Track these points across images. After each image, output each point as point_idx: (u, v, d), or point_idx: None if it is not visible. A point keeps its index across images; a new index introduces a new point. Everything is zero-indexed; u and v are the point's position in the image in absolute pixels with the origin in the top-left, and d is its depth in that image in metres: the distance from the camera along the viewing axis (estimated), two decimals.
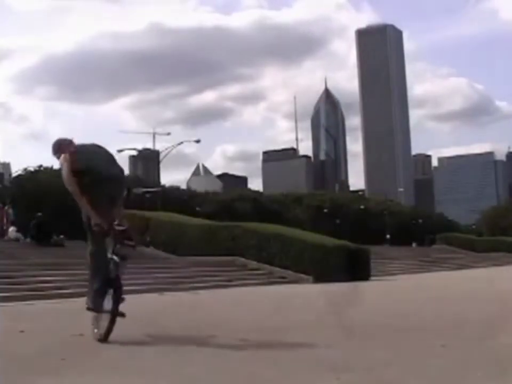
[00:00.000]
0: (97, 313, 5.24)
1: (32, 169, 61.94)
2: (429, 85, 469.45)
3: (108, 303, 5.14)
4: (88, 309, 5.37)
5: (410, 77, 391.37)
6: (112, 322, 5.03)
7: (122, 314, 5.10)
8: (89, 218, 5.31)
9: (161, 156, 48.91)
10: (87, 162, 5.32)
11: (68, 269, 15.11)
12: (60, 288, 12.70)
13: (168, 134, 56.87)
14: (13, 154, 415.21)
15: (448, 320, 6.66)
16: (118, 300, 5.09)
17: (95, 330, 5.24)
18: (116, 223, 5.25)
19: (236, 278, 17.72)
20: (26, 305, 9.99)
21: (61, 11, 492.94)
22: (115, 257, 5.19)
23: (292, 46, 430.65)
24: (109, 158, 5.56)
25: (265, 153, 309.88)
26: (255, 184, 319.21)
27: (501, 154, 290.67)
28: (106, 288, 5.19)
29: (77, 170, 5.25)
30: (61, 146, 5.52)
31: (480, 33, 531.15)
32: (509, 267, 30.65)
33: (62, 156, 5.40)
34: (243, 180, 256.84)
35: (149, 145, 55.93)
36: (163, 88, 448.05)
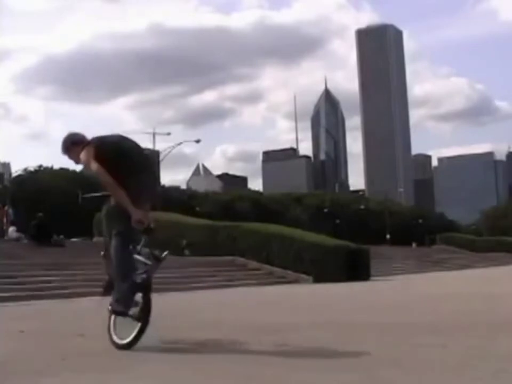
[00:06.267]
0: (120, 317, 4.71)
1: (32, 169, 62.12)
2: (429, 85, 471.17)
3: (132, 309, 4.64)
4: (114, 311, 4.71)
5: (410, 77, 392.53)
6: (142, 331, 4.56)
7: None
8: (119, 212, 4.67)
9: (161, 156, 48.94)
10: (119, 151, 4.78)
11: (68, 269, 15.13)
12: (60, 288, 12.71)
13: (168, 134, 56.67)
14: (13, 154, 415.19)
15: (448, 320, 6.66)
16: (149, 305, 4.60)
17: (114, 337, 4.74)
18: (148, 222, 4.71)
19: (236, 278, 17.73)
20: (26, 305, 10.00)
21: (61, 11, 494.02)
22: (141, 258, 4.71)
23: (292, 46, 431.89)
24: (139, 148, 4.99)
25: (265, 153, 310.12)
26: (255, 184, 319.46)
27: (501, 154, 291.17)
28: (135, 292, 4.65)
29: (107, 161, 4.67)
30: (74, 142, 4.94)
31: (480, 33, 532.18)
32: (510, 267, 30.62)
33: (85, 150, 4.78)
34: (243, 180, 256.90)
35: (149, 145, 55.88)
36: (163, 88, 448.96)
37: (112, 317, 4.79)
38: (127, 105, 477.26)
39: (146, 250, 4.75)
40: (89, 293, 11.68)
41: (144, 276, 4.62)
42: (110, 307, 4.75)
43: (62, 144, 4.98)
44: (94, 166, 4.66)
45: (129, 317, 4.62)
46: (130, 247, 4.76)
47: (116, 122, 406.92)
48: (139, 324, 4.57)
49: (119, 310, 4.67)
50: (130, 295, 4.62)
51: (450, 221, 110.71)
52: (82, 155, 4.80)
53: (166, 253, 4.75)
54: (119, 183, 4.65)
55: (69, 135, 5.03)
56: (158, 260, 4.70)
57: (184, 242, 21.90)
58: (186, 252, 21.61)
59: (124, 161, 4.76)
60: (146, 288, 4.62)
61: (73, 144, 4.94)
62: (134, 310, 4.62)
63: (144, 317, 4.57)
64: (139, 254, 4.75)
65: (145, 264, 4.67)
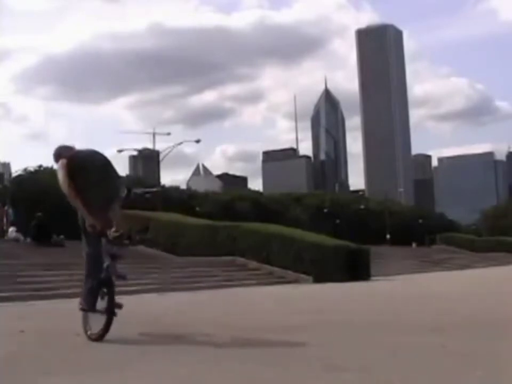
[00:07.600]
0: (90, 313, 5.28)
1: (32, 169, 61.96)
2: (429, 85, 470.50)
3: (100, 304, 5.21)
4: (82, 309, 5.40)
5: (410, 77, 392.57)
6: (109, 322, 5.06)
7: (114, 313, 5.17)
8: (84, 220, 5.41)
9: (161, 156, 48.95)
10: (83, 165, 5.45)
11: (68, 269, 15.09)
12: (60, 288, 12.70)
13: (168, 134, 56.70)
14: (13, 154, 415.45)
15: (448, 320, 6.66)
16: (112, 299, 5.12)
17: (88, 332, 5.28)
18: (113, 229, 5.27)
19: (236, 278, 17.72)
20: (26, 305, 10.00)
21: (61, 11, 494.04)
22: (106, 258, 5.26)
23: (292, 46, 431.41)
24: (104, 161, 5.64)
25: (265, 153, 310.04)
26: (255, 184, 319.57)
27: (501, 154, 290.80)
28: (98, 288, 5.24)
29: (73, 173, 5.36)
30: (61, 155, 5.61)
31: (480, 33, 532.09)
32: (510, 267, 30.62)
33: (60, 161, 5.50)
34: (243, 180, 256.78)
35: (149, 145, 56.00)
36: (163, 88, 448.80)
37: (84, 313, 5.38)
38: (127, 105, 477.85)
39: (108, 249, 5.30)
40: None
41: (105, 273, 5.20)
42: (79, 305, 5.43)
43: (53, 155, 5.66)
44: (61, 177, 5.38)
45: (97, 312, 5.18)
46: (104, 250, 5.32)
47: (116, 122, 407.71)
48: (105, 317, 5.07)
49: (86, 307, 5.33)
50: (94, 292, 5.26)
51: (450, 221, 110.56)
52: (57, 165, 5.52)
53: (119, 249, 5.31)
54: (85, 192, 5.31)
55: (58, 148, 5.70)
56: (113, 257, 5.26)
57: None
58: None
59: (89, 173, 5.42)
60: (107, 284, 5.18)
61: (59, 156, 5.59)
62: (102, 305, 5.17)
63: (108, 310, 5.06)
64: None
65: (106, 262, 5.26)
